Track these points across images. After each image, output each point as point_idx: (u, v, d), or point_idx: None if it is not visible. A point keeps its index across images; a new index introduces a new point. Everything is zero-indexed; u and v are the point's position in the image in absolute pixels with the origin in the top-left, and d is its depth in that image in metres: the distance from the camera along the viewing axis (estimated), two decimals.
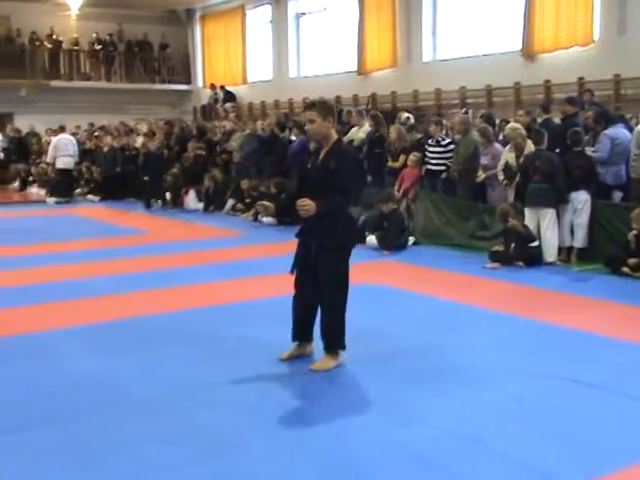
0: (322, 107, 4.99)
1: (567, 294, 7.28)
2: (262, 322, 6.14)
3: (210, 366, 5.08)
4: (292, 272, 5.12)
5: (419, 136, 10.92)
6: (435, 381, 4.76)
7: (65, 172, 16.65)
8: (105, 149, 17.23)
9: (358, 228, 10.19)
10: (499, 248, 8.68)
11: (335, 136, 5.07)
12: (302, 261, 5.04)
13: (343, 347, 4.99)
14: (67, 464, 3.63)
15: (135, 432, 3.99)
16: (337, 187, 4.83)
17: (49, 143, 18.06)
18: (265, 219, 12.26)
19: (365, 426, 4.04)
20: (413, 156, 10.71)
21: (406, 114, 12.54)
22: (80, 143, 18.02)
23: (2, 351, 5.47)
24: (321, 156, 4.99)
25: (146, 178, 15.22)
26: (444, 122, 11.13)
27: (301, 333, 5.17)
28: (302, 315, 5.12)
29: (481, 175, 9.79)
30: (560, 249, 8.73)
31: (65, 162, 16.53)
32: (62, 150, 16.52)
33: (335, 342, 4.97)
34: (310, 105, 5.04)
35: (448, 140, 10.56)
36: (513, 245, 8.49)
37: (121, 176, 16.81)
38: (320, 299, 4.96)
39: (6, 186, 19.56)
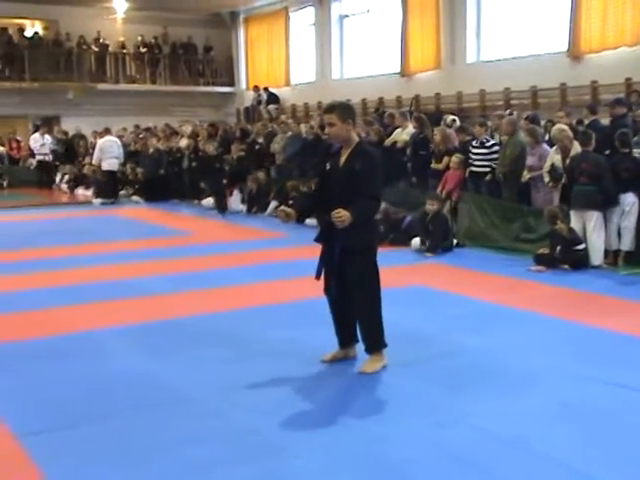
0: (341, 110, 4.93)
1: (613, 298, 7.17)
2: (305, 323, 6.17)
3: (252, 367, 5.11)
4: (317, 277, 5.06)
5: (468, 138, 10.84)
6: (478, 383, 4.73)
7: (110, 174, 16.92)
8: (150, 151, 17.47)
9: (404, 229, 10.23)
10: (544, 251, 8.60)
11: (356, 138, 5.00)
12: (328, 265, 4.99)
13: (384, 345, 4.97)
14: (112, 462, 3.69)
15: (179, 432, 4.03)
16: (365, 191, 4.77)
17: (95, 145, 18.40)
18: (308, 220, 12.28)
19: (407, 428, 4.03)
20: (455, 157, 10.66)
21: (452, 116, 12.48)
22: (125, 145, 18.32)
23: (53, 349, 5.59)
24: (343, 159, 4.92)
25: (203, 185, 15.35)
26: (489, 123, 11.05)
27: (343, 336, 5.17)
28: (340, 319, 5.11)
29: (526, 175, 9.70)
30: (607, 252, 8.61)
31: (110, 164, 16.80)
32: (107, 152, 16.80)
33: (375, 342, 4.96)
34: (329, 108, 4.96)
35: (493, 141, 10.49)
36: (559, 248, 8.40)
37: (165, 178, 17.05)
38: (352, 302, 4.94)
39: (54, 187, 19.92)
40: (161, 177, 17.03)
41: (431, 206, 9.72)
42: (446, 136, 11.04)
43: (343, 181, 4.84)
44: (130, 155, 18.29)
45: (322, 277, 5.06)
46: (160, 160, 17.16)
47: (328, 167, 5.03)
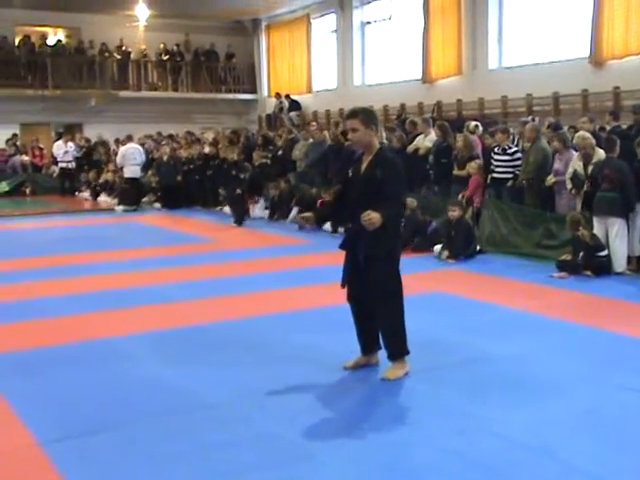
0: (365, 115, 4.91)
1: (637, 304, 7.11)
2: (327, 329, 6.18)
3: (274, 373, 5.12)
4: (343, 285, 5.09)
5: (495, 144, 10.76)
6: (500, 390, 4.71)
7: (133, 180, 17.05)
8: (165, 158, 17.53)
9: (429, 235, 10.21)
10: (567, 257, 8.54)
11: (377, 145, 4.97)
12: (352, 272, 5.00)
13: (407, 352, 4.95)
14: (135, 470, 3.70)
15: (201, 438, 4.04)
16: (388, 195, 4.75)
17: (117, 152, 18.55)
18: (325, 227, 12.36)
19: (430, 434, 4.03)
20: (474, 163, 10.64)
21: (474, 122, 12.44)
22: (148, 152, 18.45)
23: (75, 356, 5.63)
24: (364, 165, 4.91)
25: (222, 191, 15.46)
26: (511, 130, 10.99)
27: (366, 343, 5.17)
28: (363, 325, 5.12)
29: (551, 180, 9.64)
30: (630, 258, 8.54)
31: (132, 171, 16.92)
32: (130, 159, 16.93)
33: (397, 349, 4.95)
34: (352, 113, 4.94)
35: (515, 148, 10.44)
36: (581, 254, 8.35)
37: (184, 185, 17.12)
38: (375, 309, 4.93)
39: (77, 194, 20.10)
40: (179, 184, 17.11)
41: (453, 212, 9.70)
42: (469, 142, 11.01)
43: (364, 188, 4.84)
44: (151, 162, 18.42)
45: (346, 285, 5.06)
46: (175, 167, 17.24)
47: (350, 174, 5.02)
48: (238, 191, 14.13)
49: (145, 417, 4.37)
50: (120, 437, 4.08)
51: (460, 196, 10.57)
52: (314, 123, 16.55)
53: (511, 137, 10.78)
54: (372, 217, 4.58)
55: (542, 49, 15.43)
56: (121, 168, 17.14)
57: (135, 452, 3.89)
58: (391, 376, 4.88)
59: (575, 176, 9.11)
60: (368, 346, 5.17)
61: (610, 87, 13.49)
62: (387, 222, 4.66)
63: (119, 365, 5.38)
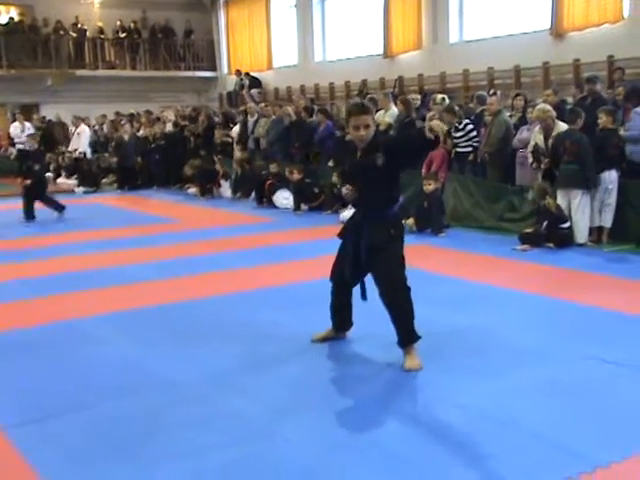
0: (372, 109, 4.80)
1: (598, 275, 7.19)
2: (292, 307, 6.16)
3: (240, 351, 5.09)
4: (337, 278, 5.01)
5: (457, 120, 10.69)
6: (464, 362, 4.72)
7: (88, 161, 16.82)
8: (125, 137, 17.28)
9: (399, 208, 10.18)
10: (529, 230, 8.61)
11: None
12: (351, 264, 4.85)
13: (417, 338, 4.78)
14: (101, 450, 3.66)
15: (169, 418, 4.01)
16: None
17: (76, 133, 18.25)
18: (282, 203, 12.42)
19: (393, 408, 4.04)
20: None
21: (440, 95, 12.34)
22: (97, 133, 18.27)
23: (39, 338, 5.53)
24: (359, 152, 4.72)
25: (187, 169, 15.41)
26: (456, 108, 10.89)
27: (342, 320, 5.16)
28: (343, 302, 5.09)
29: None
30: (591, 230, 8.63)
31: (82, 151, 16.65)
32: (79, 139, 16.62)
33: (411, 336, 4.75)
34: (364, 109, 4.65)
35: (465, 121, 10.42)
36: (545, 223, 8.42)
37: (144, 165, 16.91)
38: (386, 300, 4.73)
39: None
40: (138, 164, 16.88)
41: (428, 185, 9.70)
42: (441, 116, 10.90)
43: (365, 175, 4.72)
44: (107, 142, 18.19)
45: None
46: (135, 147, 17.00)
47: (350, 163, 4.87)
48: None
49: (108, 398, 4.31)
50: (82, 419, 4.02)
51: (425, 170, 10.57)
52: (266, 103, 16.48)
53: (457, 115, 10.61)
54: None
55: (503, 22, 15.45)
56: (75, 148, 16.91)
57: (97, 434, 3.83)
58: (416, 365, 4.65)
59: (536, 149, 9.16)
60: (344, 323, 5.16)
61: (571, 59, 13.58)
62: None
63: (84, 347, 5.30)
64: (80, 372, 4.78)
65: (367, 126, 4.59)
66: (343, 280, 4.98)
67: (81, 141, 17.25)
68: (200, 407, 4.15)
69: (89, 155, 16.78)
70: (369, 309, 4.94)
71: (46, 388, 4.51)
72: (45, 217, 12.36)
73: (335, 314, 5.17)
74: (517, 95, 10.81)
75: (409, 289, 4.76)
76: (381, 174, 4.66)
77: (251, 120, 15.30)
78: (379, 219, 4.75)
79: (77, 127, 18.63)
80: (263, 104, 16.76)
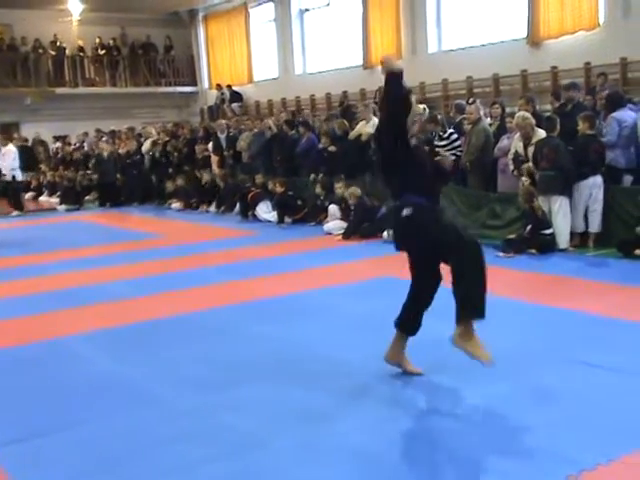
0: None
1: (581, 280, 7.25)
2: (279, 319, 6.17)
3: (226, 365, 5.08)
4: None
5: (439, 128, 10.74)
6: (451, 371, 4.73)
7: (17, 183, 16.09)
8: (105, 155, 17.20)
9: (378, 220, 10.23)
10: (512, 236, 8.66)
11: None
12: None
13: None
14: (88, 469, 3.64)
15: (156, 433, 4.00)
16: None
17: (56, 150, 18.02)
18: (265, 216, 12.45)
19: (382, 417, 4.04)
20: None
21: (422, 105, 12.36)
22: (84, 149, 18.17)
23: (24, 357, 5.50)
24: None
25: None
26: (439, 117, 10.96)
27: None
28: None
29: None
30: (573, 235, 8.68)
31: (5, 173, 15.77)
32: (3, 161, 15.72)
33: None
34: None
35: (450, 131, 10.47)
36: (529, 227, 8.46)
37: (127, 182, 16.86)
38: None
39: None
40: (120, 181, 16.82)
41: None
42: (423, 126, 10.91)
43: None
44: (87, 159, 18.14)
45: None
46: (115, 164, 16.95)
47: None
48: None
49: (94, 416, 4.29)
50: (70, 438, 4.00)
51: None
52: (246, 117, 16.50)
53: (440, 124, 10.67)
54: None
55: (480, 31, 15.58)
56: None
57: (85, 452, 3.81)
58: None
59: (516, 157, 9.22)
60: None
61: (548, 67, 13.70)
62: None
63: (69, 365, 5.28)
64: (65, 390, 4.75)
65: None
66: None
67: (5, 163, 15.72)
68: (187, 421, 4.14)
69: (19, 177, 16.11)
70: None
71: (31, 407, 4.49)
72: (27, 236, 12.33)
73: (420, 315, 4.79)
74: (494, 103, 10.88)
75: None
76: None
77: (222, 136, 15.36)
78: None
79: (4, 146, 16.36)
80: (244, 117, 16.82)
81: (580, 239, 8.75)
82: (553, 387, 4.40)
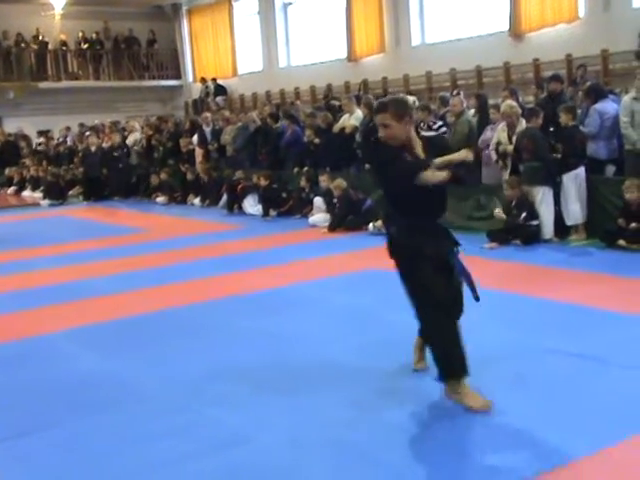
0: (397, 107, 4.08)
1: (565, 270, 7.30)
2: (265, 313, 6.19)
3: (212, 360, 5.09)
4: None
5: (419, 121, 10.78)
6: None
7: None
8: (92, 149, 17.13)
9: (364, 212, 10.25)
10: (503, 217, 8.66)
11: (416, 136, 4.24)
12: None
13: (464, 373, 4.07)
14: (73, 466, 3.65)
15: (136, 431, 4.00)
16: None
17: (39, 144, 17.88)
18: (251, 210, 12.46)
19: (366, 410, 4.08)
20: None
21: (412, 97, 12.37)
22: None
23: (8, 355, 5.49)
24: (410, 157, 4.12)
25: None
26: (432, 107, 11.04)
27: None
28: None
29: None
30: (564, 226, 8.73)
31: None
32: None
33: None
34: (381, 106, 4.12)
35: (440, 123, 10.53)
36: (524, 215, 8.50)
37: (110, 176, 16.80)
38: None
39: (2, 190, 19.53)
40: (105, 175, 16.78)
41: None
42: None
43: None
44: (73, 154, 18.01)
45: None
46: (101, 158, 16.88)
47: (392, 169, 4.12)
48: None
49: (80, 414, 4.28)
50: (55, 436, 4.00)
51: None
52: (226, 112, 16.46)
53: (432, 113, 10.76)
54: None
55: (463, 24, 15.63)
56: None
57: (70, 450, 3.81)
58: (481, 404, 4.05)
59: (499, 147, 9.27)
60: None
61: (530, 59, 13.79)
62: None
63: (53, 362, 5.27)
64: (50, 388, 4.74)
65: (385, 125, 4.08)
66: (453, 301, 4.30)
67: None
68: (172, 417, 4.15)
69: None
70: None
71: (15, 406, 4.47)
72: (7, 231, 12.26)
73: (460, 349, 4.08)
74: (477, 95, 10.91)
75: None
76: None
77: (207, 130, 15.34)
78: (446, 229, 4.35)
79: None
80: (228, 111, 16.78)
81: (573, 230, 8.69)
82: (534, 376, 4.43)
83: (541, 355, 4.81)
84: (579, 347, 4.88)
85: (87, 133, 18.67)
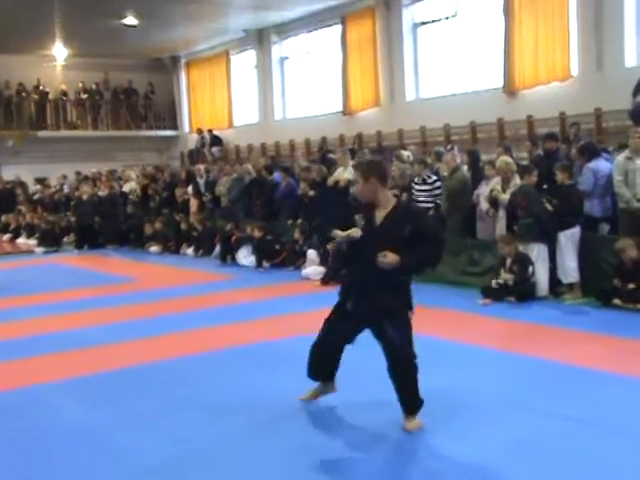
0: (365, 168, 4.63)
1: (560, 328, 7.25)
2: (256, 367, 6.12)
3: (204, 412, 5.01)
4: (328, 345, 4.90)
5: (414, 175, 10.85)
6: (432, 423, 4.66)
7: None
8: (84, 197, 17.16)
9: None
10: (501, 279, 8.62)
11: (392, 199, 4.71)
12: (346, 327, 4.81)
13: (422, 404, 4.66)
14: None
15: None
16: (428, 234, 4.59)
17: (35, 193, 17.93)
18: (244, 261, 12.43)
19: (358, 460, 4.01)
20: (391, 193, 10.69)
21: (406, 152, 12.44)
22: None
23: None
24: (379, 218, 4.56)
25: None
26: (428, 160, 11.14)
27: (330, 371, 5.04)
28: (335, 357, 4.96)
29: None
30: (560, 283, 8.70)
31: None
32: None
33: (415, 406, 4.65)
34: (355, 165, 4.73)
35: (435, 178, 10.59)
36: (531, 269, 8.46)
37: (103, 224, 16.79)
38: (393, 374, 4.63)
39: None
40: (98, 223, 16.78)
41: None
42: (403, 172, 11.01)
43: (383, 242, 4.46)
44: (68, 202, 18.11)
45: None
46: (94, 207, 16.90)
47: (361, 223, 4.59)
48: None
49: (63, 468, 4.19)
50: None
51: None
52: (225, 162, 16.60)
53: (428, 167, 10.86)
54: (389, 258, 4.38)
55: (458, 80, 15.84)
56: None
57: None
58: (416, 425, 4.59)
59: (492, 195, 9.31)
60: (333, 373, 5.04)
61: (524, 116, 13.93)
62: (413, 265, 4.58)
63: (39, 415, 5.17)
64: (35, 442, 4.64)
65: (356, 182, 4.57)
66: (342, 339, 4.86)
67: None
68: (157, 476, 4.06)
69: None
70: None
71: (2, 458, 4.38)
72: (1, 279, 12.19)
73: (323, 368, 4.99)
74: (468, 152, 11.00)
75: (416, 357, 4.64)
76: (404, 242, 4.48)
77: (201, 181, 15.45)
78: (393, 284, 4.57)
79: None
80: (223, 162, 16.92)
81: (568, 288, 8.68)
82: (531, 441, 4.35)
83: (537, 418, 4.72)
84: (576, 411, 4.81)
85: (80, 182, 18.77)
